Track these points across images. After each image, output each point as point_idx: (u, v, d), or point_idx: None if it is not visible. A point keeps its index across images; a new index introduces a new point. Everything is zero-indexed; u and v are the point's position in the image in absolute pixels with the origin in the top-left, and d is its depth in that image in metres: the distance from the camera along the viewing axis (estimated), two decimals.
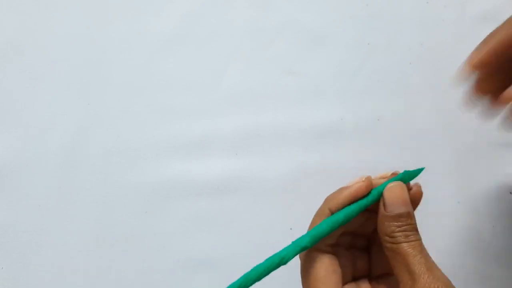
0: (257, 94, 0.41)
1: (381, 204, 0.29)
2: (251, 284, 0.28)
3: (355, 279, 0.32)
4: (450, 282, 0.27)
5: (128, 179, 0.40)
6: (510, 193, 0.38)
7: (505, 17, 0.41)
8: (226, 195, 0.40)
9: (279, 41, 0.42)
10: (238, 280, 0.28)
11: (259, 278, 0.28)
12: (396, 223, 0.28)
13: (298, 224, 0.39)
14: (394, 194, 0.29)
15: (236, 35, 0.42)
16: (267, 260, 0.29)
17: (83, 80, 0.42)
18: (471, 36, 0.41)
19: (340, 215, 0.29)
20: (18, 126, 0.42)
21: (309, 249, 0.30)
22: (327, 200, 0.31)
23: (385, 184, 0.30)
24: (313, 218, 0.31)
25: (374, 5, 0.42)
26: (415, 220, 0.29)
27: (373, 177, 0.31)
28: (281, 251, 0.29)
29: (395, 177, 0.30)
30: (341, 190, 0.30)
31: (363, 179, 0.30)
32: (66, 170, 0.41)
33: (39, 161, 0.41)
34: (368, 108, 0.40)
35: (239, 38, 0.42)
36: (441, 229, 0.38)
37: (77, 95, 0.42)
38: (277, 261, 0.29)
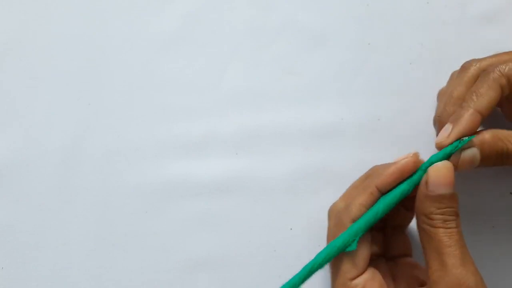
0: (257, 94, 0.41)
1: (423, 181, 0.28)
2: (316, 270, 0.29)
3: (372, 259, 0.31)
4: (481, 278, 0.27)
5: (128, 179, 0.40)
6: (510, 193, 0.38)
7: (505, 17, 0.41)
8: (226, 195, 0.40)
9: (279, 41, 0.42)
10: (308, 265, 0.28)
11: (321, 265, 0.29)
12: (437, 204, 0.27)
13: (298, 224, 0.39)
14: (440, 173, 0.28)
15: (236, 35, 0.42)
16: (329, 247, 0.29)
17: (83, 80, 0.42)
18: (471, 36, 0.41)
19: (387, 200, 0.29)
20: (18, 126, 0.42)
21: (342, 216, 0.30)
22: (372, 175, 0.30)
23: (426, 164, 0.29)
24: (352, 189, 0.31)
25: (375, 5, 0.42)
26: (457, 204, 0.28)
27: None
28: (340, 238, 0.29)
29: (439, 153, 0.29)
30: (387, 165, 0.29)
31: (411, 155, 0.29)
32: (66, 170, 0.41)
33: (39, 161, 0.41)
34: (368, 108, 0.40)
35: (239, 38, 0.42)
36: None
37: (77, 95, 0.42)
38: (342, 245, 0.28)
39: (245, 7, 0.42)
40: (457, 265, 0.26)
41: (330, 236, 0.30)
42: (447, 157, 0.30)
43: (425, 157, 0.32)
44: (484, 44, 0.40)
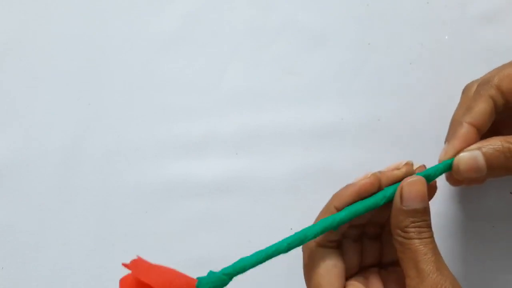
0: (257, 94, 0.41)
1: (397, 196, 0.29)
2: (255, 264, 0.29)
3: (363, 268, 0.32)
4: (457, 282, 0.27)
5: (128, 179, 0.40)
6: (510, 193, 0.38)
7: (505, 17, 0.41)
8: (226, 195, 0.40)
9: (279, 41, 0.42)
10: (251, 257, 0.29)
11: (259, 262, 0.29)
12: (411, 218, 0.28)
13: (298, 224, 0.39)
14: (414, 188, 0.28)
15: (236, 35, 0.42)
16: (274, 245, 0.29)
17: (83, 80, 0.42)
18: (471, 36, 0.41)
19: (346, 212, 0.29)
20: (18, 126, 0.42)
21: (310, 243, 0.30)
22: (333, 197, 0.31)
23: (396, 185, 0.29)
24: (318, 215, 0.31)
25: (375, 5, 0.42)
26: (430, 217, 0.29)
27: (385, 169, 0.31)
28: (286, 239, 0.29)
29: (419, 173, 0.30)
30: (347, 187, 0.30)
31: (369, 175, 0.30)
32: (66, 170, 0.41)
33: (39, 161, 0.41)
34: (368, 108, 0.40)
35: (239, 38, 0.42)
36: (441, 229, 0.38)
37: (77, 95, 0.42)
38: (281, 248, 0.29)
39: (245, 7, 0.42)
40: (434, 271, 0.27)
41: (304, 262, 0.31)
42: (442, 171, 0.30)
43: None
44: (484, 44, 0.40)
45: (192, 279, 0.28)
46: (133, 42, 0.43)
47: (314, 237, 0.29)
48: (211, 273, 0.29)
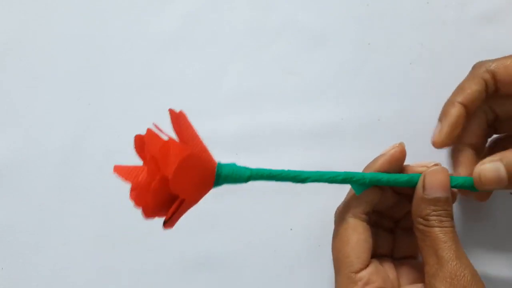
0: (257, 94, 0.41)
1: (419, 185, 0.29)
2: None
3: (376, 256, 0.32)
4: (476, 271, 0.28)
5: None
6: (510, 193, 0.38)
7: (505, 17, 0.41)
8: (227, 195, 0.40)
9: (279, 41, 0.42)
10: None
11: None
12: (432, 207, 0.28)
13: (298, 224, 0.39)
14: (435, 177, 0.29)
15: (236, 35, 0.42)
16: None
17: (83, 80, 0.42)
18: (471, 36, 0.41)
19: (370, 174, 0.30)
20: (18, 126, 0.42)
21: (345, 214, 0.30)
22: (364, 169, 0.31)
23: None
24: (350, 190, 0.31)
25: (375, 5, 0.42)
26: (451, 207, 0.29)
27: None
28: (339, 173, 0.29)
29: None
30: (377, 158, 0.31)
31: (397, 145, 0.30)
32: (66, 170, 0.41)
33: (39, 161, 0.41)
34: (368, 108, 0.40)
35: (239, 38, 0.42)
36: None
37: (77, 95, 0.42)
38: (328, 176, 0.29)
39: (245, 7, 0.42)
40: (453, 258, 0.27)
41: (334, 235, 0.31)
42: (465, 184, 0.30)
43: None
44: (484, 44, 0.40)
45: (214, 160, 0.28)
46: (133, 42, 0.43)
47: (332, 180, 0.29)
48: (233, 164, 0.28)
